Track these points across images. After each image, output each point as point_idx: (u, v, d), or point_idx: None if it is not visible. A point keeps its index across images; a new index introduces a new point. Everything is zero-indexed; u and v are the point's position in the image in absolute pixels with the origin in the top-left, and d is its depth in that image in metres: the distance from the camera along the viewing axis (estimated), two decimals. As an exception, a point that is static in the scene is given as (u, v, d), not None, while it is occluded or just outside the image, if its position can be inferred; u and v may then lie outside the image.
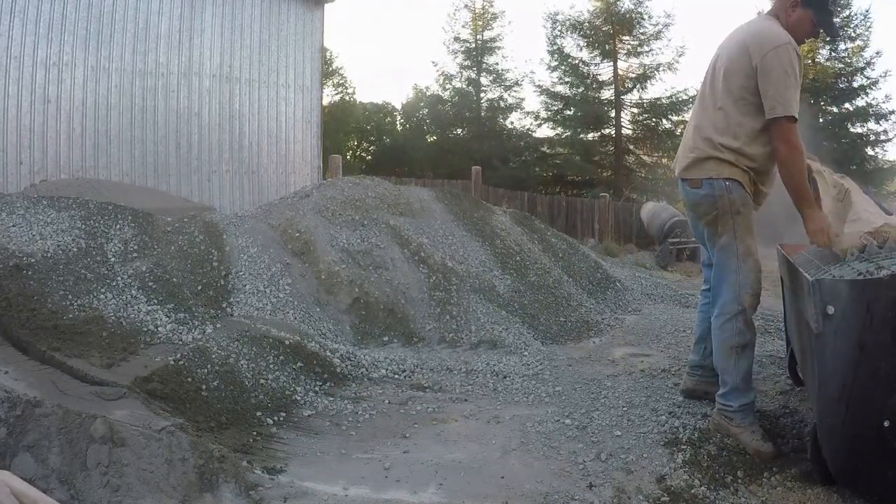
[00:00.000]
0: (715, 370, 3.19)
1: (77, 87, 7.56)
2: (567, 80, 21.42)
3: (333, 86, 23.87)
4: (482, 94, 23.08)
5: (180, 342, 3.51)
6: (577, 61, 21.15)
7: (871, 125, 19.26)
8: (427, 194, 6.01)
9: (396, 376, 3.70)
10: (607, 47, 20.65)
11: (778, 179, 2.87)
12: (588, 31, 20.81)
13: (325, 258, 4.76)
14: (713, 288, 2.95)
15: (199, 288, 4.25)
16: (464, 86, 23.04)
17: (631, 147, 21.38)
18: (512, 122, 23.66)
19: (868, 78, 19.14)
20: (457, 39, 22.90)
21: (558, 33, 21.22)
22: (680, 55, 20.81)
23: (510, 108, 23.17)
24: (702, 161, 2.86)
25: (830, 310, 1.96)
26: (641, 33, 20.60)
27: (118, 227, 4.65)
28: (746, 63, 2.74)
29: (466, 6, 23.01)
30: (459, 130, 23.37)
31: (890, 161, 19.62)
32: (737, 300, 2.80)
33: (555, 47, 21.26)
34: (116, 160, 7.87)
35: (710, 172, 2.83)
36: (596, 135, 21.58)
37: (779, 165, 2.78)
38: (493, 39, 22.79)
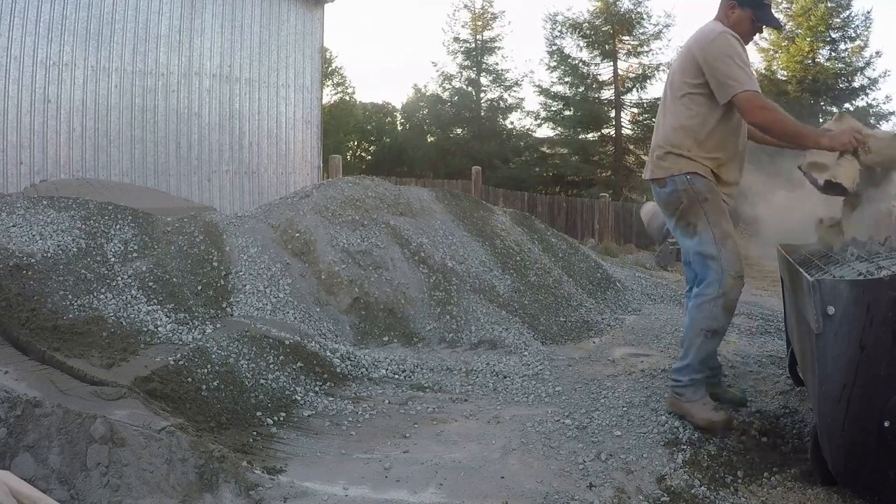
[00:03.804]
0: (714, 369, 3.20)
1: (77, 87, 7.57)
2: (567, 80, 21.44)
3: (333, 86, 23.89)
4: (482, 94, 23.09)
5: (180, 342, 3.51)
6: (576, 61, 21.17)
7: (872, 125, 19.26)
8: (427, 194, 6.01)
9: (396, 376, 3.70)
10: (607, 47, 20.66)
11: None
12: (588, 32, 20.82)
13: (325, 258, 4.76)
14: (698, 275, 2.98)
15: (199, 288, 4.25)
16: (464, 86, 23.05)
17: (631, 147, 21.40)
18: (512, 122, 23.71)
19: (868, 78, 19.16)
20: (457, 39, 22.92)
21: (558, 34, 21.25)
22: (680, 55, 20.75)
23: (510, 108, 23.19)
24: (661, 160, 2.97)
25: (831, 310, 1.96)
26: (641, 33, 20.63)
27: (118, 227, 4.65)
28: (691, 62, 2.88)
29: (466, 6, 23.04)
30: (459, 130, 23.37)
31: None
32: (719, 283, 2.83)
33: (554, 48, 21.29)
34: (116, 160, 7.88)
35: (670, 169, 2.93)
36: (596, 135, 21.60)
37: (765, 132, 2.88)
38: (492, 39, 22.80)
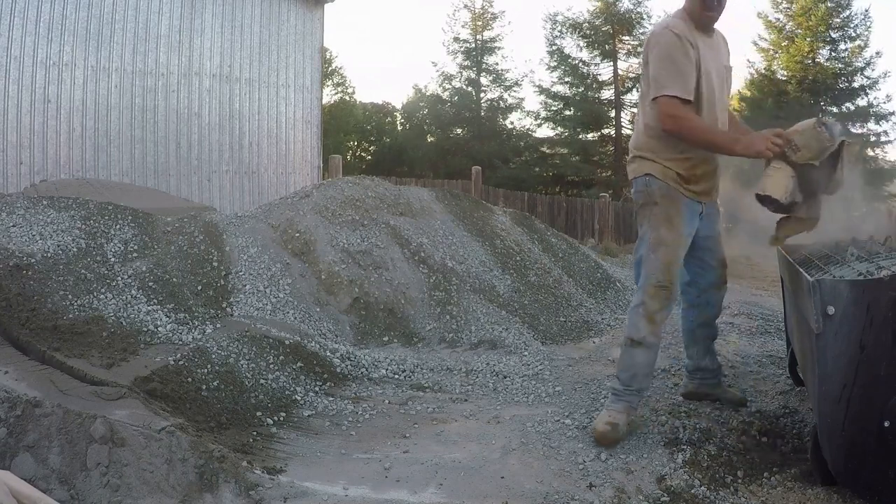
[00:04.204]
0: (715, 369, 3.19)
1: (77, 87, 7.56)
2: (567, 80, 21.43)
3: (333, 86, 23.89)
4: (482, 94, 23.07)
5: (180, 342, 3.51)
6: (576, 61, 21.16)
7: (872, 125, 19.26)
8: (427, 194, 6.01)
9: (396, 376, 3.70)
10: (607, 47, 20.66)
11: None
12: (588, 32, 20.82)
13: (325, 258, 4.76)
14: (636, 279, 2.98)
15: (199, 288, 4.25)
16: (464, 86, 23.03)
17: (631, 147, 21.35)
18: (512, 122, 23.69)
19: (868, 78, 19.14)
20: (457, 39, 22.90)
21: (558, 34, 21.25)
22: (680, 55, 20.74)
23: (510, 108, 23.18)
24: (630, 163, 2.97)
25: (831, 310, 1.96)
26: (641, 33, 20.60)
27: (118, 227, 4.65)
28: (645, 61, 2.85)
29: (466, 6, 23.02)
30: (459, 130, 23.36)
31: (890, 161, 19.60)
32: (643, 289, 2.81)
33: (554, 48, 21.29)
34: (116, 160, 7.88)
35: (636, 172, 2.92)
36: (596, 135, 21.60)
37: (679, 140, 2.79)
38: (492, 39, 22.79)
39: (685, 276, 3.14)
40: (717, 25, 2.97)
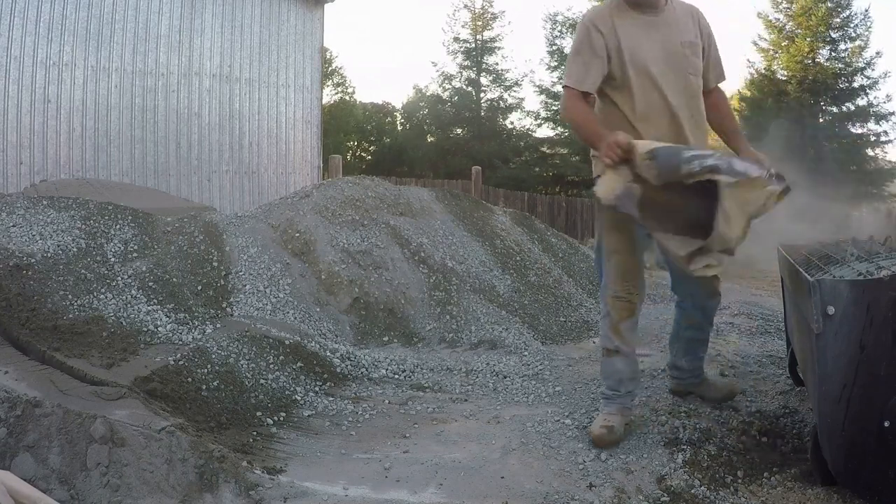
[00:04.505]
0: (692, 370, 3.16)
1: (77, 87, 7.57)
2: (567, 80, 21.41)
3: (333, 86, 23.87)
4: (482, 94, 23.05)
5: (180, 342, 3.51)
6: (577, 61, 21.14)
7: (872, 125, 19.25)
8: (427, 194, 6.01)
9: (396, 376, 3.70)
10: (607, 47, 20.63)
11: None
12: (588, 32, 20.80)
13: (325, 258, 4.77)
14: None
15: (199, 288, 4.25)
16: (464, 86, 23.02)
17: (631, 147, 21.31)
18: (512, 122, 23.64)
19: (868, 78, 19.12)
20: (456, 39, 22.88)
21: (558, 34, 21.24)
22: (680, 55, 20.72)
23: (510, 108, 23.15)
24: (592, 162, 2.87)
25: (831, 310, 1.95)
26: (641, 33, 20.58)
27: (118, 227, 4.65)
28: None
29: (466, 6, 22.99)
30: (459, 130, 23.34)
31: (890, 162, 19.59)
32: (603, 300, 2.77)
33: (554, 48, 21.28)
34: (116, 160, 7.88)
35: (593, 173, 2.81)
36: (596, 135, 21.57)
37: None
38: (492, 39, 22.77)
39: (670, 280, 3.10)
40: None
